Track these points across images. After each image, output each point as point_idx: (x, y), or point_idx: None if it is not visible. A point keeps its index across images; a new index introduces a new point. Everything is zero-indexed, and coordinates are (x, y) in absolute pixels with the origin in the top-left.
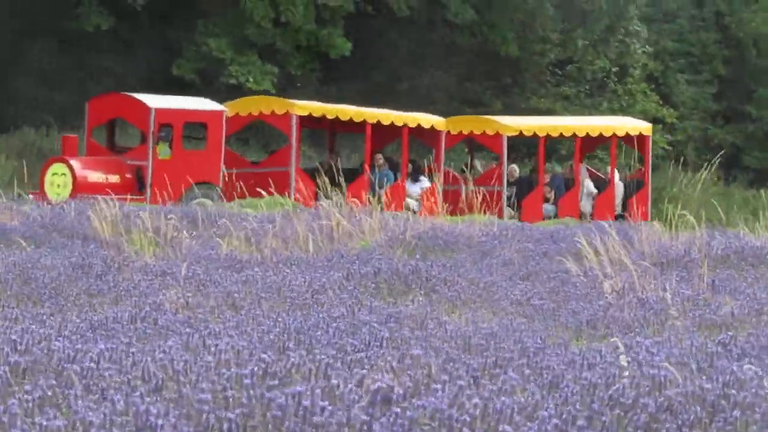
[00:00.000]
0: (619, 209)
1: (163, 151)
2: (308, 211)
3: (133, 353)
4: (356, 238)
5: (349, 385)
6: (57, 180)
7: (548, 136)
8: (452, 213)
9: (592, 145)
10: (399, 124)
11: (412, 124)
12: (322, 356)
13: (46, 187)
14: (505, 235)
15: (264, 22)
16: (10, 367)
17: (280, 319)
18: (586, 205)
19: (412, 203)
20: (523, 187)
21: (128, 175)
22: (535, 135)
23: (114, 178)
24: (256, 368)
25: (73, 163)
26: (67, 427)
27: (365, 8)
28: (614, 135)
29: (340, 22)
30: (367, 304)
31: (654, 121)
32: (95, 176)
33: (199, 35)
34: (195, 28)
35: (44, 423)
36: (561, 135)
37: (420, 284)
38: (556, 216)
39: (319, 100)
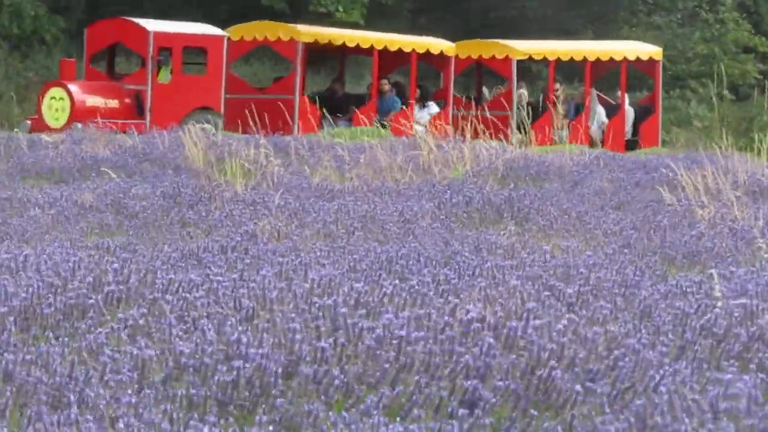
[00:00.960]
0: (629, 135)
1: (164, 76)
2: (399, 141)
3: (224, 282)
4: (448, 168)
5: (442, 315)
6: (55, 104)
7: (558, 60)
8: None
9: (603, 70)
10: (407, 49)
11: (421, 50)
12: (414, 286)
13: (44, 112)
14: (596, 164)
15: None
16: (103, 296)
17: (372, 249)
18: (596, 131)
19: (419, 129)
20: (533, 111)
21: (127, 100)
22: (544, 59)
23: (113, 103)
24: (347, 298)
25: (72, 87)
26: (158, 356)
27: None
28: (624, 59)
29: None
30: (459, 234)
31: (746, 50)
32: (94, 101)
33: None
34: None
35: (135, 352)
36: (571, 59)
37: (512, 214)
38: (563, 141)
39: (409, 31)
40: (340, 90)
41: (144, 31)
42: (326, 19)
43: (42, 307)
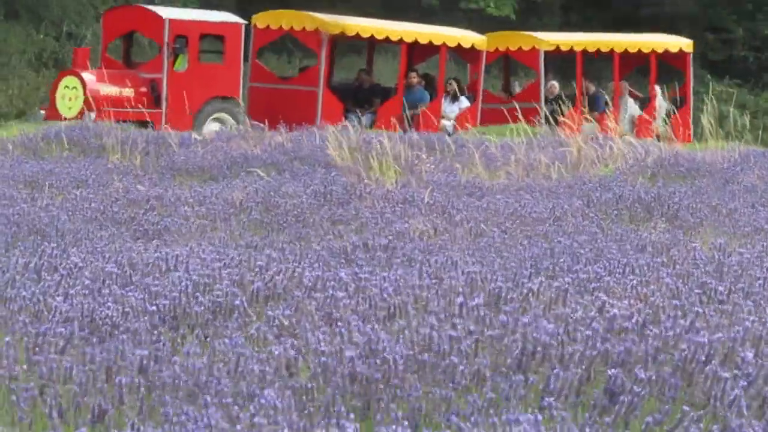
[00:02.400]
0: (660, 130)
1: (181, 65)
2: (549, 138)
3: (373, 281)
4: (597, 165)
5: (589, 312)
6: (68, 93)
7: (585, 52)
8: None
9: (632, 63)
10: (437, 42)
11: (452, 43)
12: (563, 284)
13: (57, 101)
14: (747, 161)
15: None
16: (250, 295)
17: (521, 246)
18: (627, 125)
19: (447, 124)
20: (562, 103)
21: (143, 89)
22: (572, 50)
23: (128, 92)
24: (491, 295)
25: (85, 76)
26: (301, 355)
27: None
28: (653, 51)
29: None
30: (609, 231)
31: None
32: (108, 90)
33: None
34: None
35: (277, 352)
36: (598, 51)
37: (661, 211)
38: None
39: (559, 27)
40: (368, 81)
41: (160, 19)
42: (478, 15)
43: (190, 306)
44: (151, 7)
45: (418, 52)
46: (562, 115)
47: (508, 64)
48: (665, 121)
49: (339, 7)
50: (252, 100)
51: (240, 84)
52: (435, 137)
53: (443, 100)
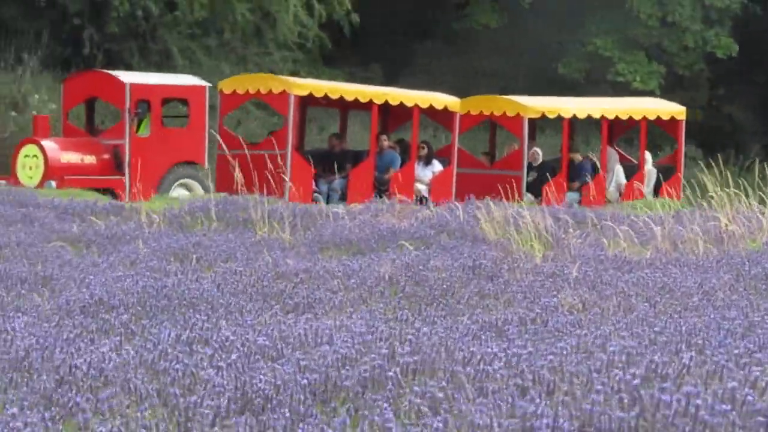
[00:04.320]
0: (649, 197)
1: (144, 130)
2: (693, 211)
3: (524, 355)
4: (745, 239)
5: (744, 388)
6: (29, 162)
7: (574, 118)
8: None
9: (622, 129)
10: (409, 104)
11: (423, 105)
12: (715, 358)
13: (18, 171)
14: None
15: (651, 21)
16: (401, 368)
17: (671, 321)
18: (613, 193)
19: (422, 188)
20: (546, 171)
21: (105, 156)
22: (559, 117)
23: (90, 159)
24: (645, 370)
25: (45, 144)
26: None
27: (753, 9)
28: (644, 118)
29: (727, 23)
30: (759, 306)
31: None
32: (69, 157)
33: (585, 34)
34: (581, 27)
35: (434, 424)
36: (588, 117)
37: None
38: (579, 204)
39: (704, 99)
40: (338, 146)
41: (121, 84)
42: (624, 88)
43: (341, 380)
44: (111, 72)
45: (392, 116)
46: (547, 183)
47: (494, 128)
48: (655, 189)
49: (492, 87)
50: (220, 168)
51: (205, 149)
52: (580, 212)
53: (416, 164)
